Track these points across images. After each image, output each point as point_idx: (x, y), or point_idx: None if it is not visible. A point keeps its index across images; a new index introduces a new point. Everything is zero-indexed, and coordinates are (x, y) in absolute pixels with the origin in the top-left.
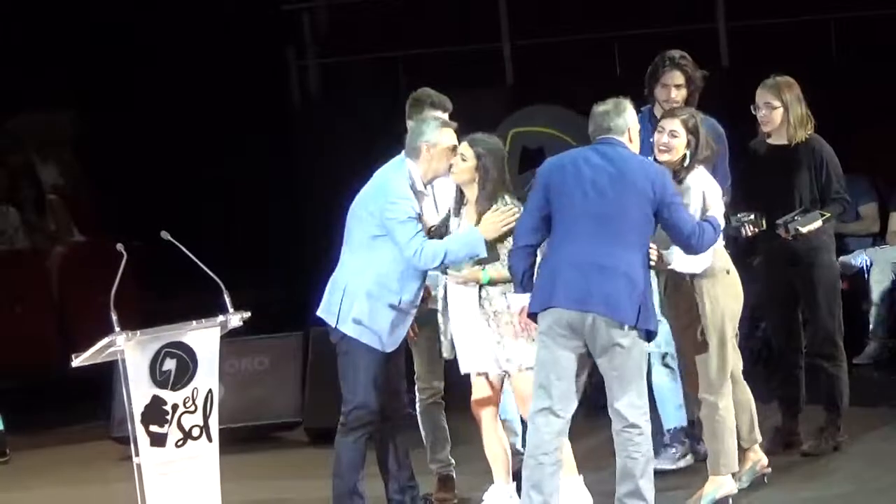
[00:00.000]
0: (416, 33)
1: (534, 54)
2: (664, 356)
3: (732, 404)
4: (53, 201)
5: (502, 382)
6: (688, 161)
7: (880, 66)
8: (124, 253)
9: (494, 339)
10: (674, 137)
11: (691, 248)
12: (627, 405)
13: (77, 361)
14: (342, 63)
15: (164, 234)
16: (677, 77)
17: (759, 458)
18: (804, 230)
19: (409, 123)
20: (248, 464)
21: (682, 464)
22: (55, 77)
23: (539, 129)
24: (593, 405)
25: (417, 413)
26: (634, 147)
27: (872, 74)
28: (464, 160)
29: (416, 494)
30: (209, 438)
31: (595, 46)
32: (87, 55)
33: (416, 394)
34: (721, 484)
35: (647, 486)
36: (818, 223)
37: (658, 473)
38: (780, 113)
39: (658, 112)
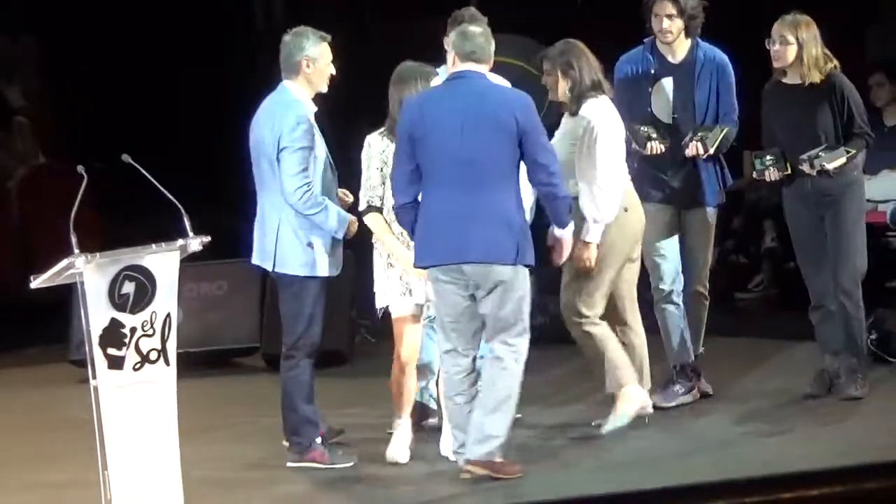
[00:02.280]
0: None
1: None
2: (670, 293)
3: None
4: (21, 123)
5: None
6: (570, 94)
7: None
8: (85, 175)
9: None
10: (548, 76)
11: (551, 186)
12: (500, 342)
13: (36, 283)
14: None
15: (125, 158)
16: (668, 7)
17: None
18: (829, 166)
19: (446, 40)
20: (205, 388)
21: (687, 399)
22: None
23: (504, 60)
24: (553, 337)
25: None
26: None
27: (832, 7)
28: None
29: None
30: (167, 362)
31: None
32: None
33: None
34: (631, 398)
35: (499, 421)
36: (843, 160)
37: (658, 410)
38: (794, 50)
39: (659, 45)
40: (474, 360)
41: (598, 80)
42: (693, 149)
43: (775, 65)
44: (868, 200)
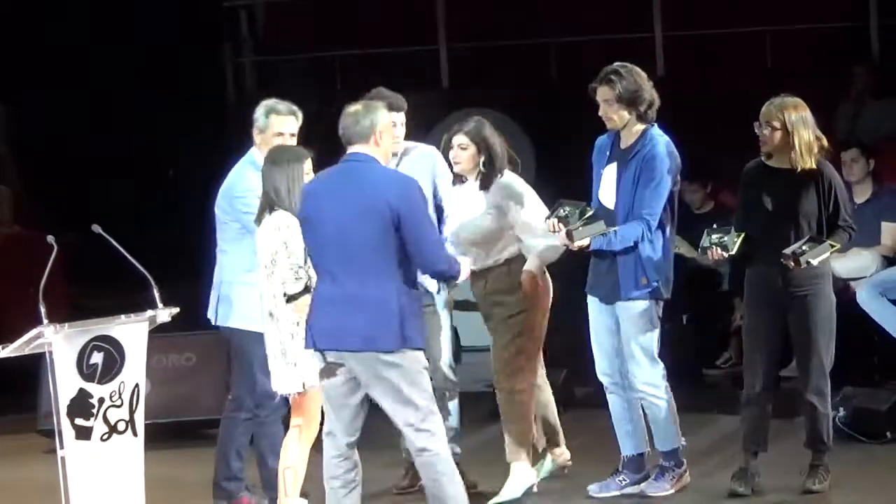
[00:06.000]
0: (352, 34)
1: (470, 58)
2: (607, 384)
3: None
4: (1, 191)
5: None
6: (484, 168)
7: (812, 77)
8: (55, 245)
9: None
10: (462, 150)
11: (438, 274)
12: (412, 431)
13: (4, 353)
14: (278, 61)
15: (96, 228)
16: (602, 92)
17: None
18: (815, 262)
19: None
20: (173, 459)
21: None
22: None
23: None
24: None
25: None
26: (381, 150)
27: (803, 85)
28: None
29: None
30: (134, 433)
31: (532, 51)
32: (19, 47)
33: None
34: (529, 470)
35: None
36: (828, 254)
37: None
38: (780, 135)
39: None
40: (351, 445)
41: (512, 156)
42: (560, 236)
43: (763, 149)
44: (838, 278)
